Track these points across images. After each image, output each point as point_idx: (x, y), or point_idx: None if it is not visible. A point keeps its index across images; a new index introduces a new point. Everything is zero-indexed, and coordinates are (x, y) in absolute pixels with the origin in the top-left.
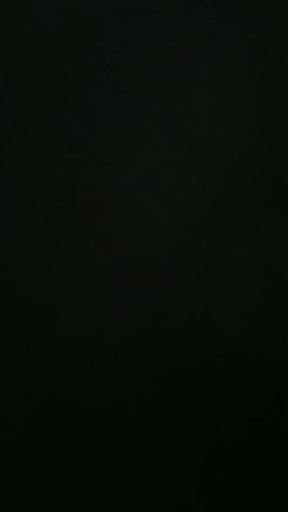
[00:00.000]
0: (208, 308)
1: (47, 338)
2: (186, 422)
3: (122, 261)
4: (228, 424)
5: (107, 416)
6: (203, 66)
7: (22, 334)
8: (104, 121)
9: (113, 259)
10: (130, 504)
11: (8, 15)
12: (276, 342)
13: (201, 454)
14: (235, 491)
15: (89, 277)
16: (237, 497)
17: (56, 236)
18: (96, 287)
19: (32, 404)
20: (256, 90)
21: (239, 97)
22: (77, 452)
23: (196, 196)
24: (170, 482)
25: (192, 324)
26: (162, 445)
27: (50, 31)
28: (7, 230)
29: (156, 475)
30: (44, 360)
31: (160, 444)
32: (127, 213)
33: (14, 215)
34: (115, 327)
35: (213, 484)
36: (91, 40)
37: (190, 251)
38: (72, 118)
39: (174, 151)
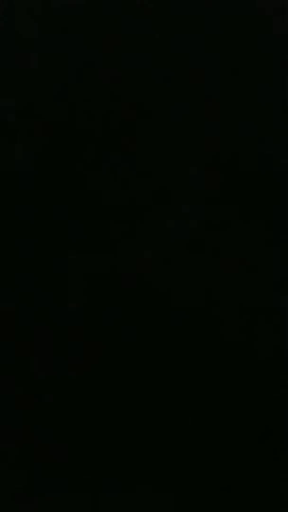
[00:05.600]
0: (207, 304)
1: (46, 336)
2: (185, 421)
3: (123, 257)
4: (225, 418)
5: (105, 408)
6: (203, 63)
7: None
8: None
9: (115, 253)
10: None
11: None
12: (274, 338)
13: (199, 451)
14: (231, 484)
15: (92, 276)
16: (235, 493)
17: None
18: (98, 286)
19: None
20: (256, 88)
21: (239, 96)
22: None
23: (196, 194)
24: (164, 468)
25: (191, 320)
26: (159, 437)
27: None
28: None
29: (150, 460)
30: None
31: (156, 436)
32: (128, 210)
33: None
34: (116, 326)
35: (207, 474)
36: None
37: (190, 249)
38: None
39: (175, 149)
